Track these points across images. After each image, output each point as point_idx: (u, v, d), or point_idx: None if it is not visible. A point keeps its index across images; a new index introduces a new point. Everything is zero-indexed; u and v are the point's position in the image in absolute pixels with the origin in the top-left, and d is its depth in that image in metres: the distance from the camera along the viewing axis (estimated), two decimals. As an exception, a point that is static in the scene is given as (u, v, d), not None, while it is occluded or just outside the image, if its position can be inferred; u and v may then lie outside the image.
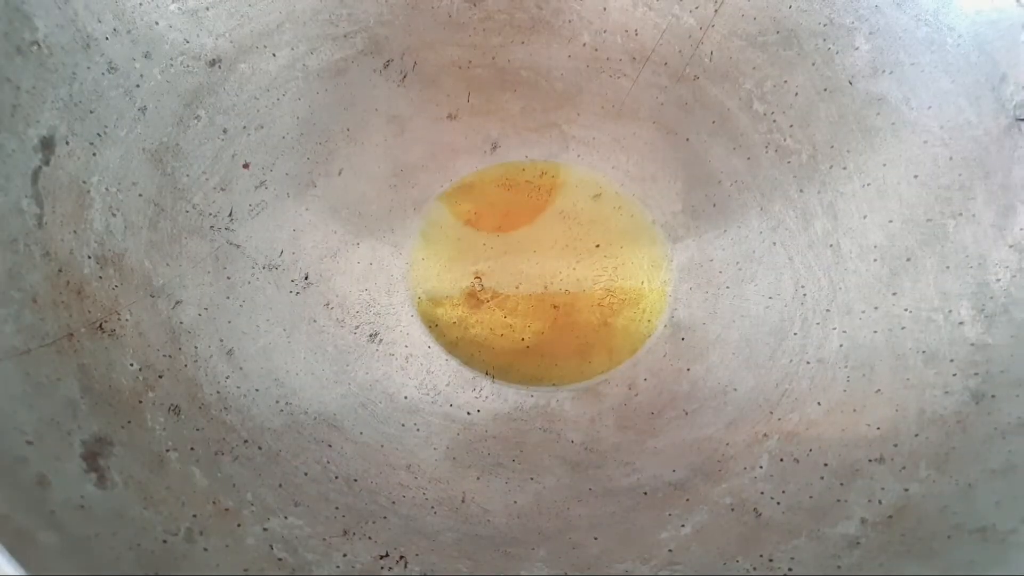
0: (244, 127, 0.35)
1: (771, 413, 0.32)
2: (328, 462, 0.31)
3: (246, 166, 0.35)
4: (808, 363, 0.32)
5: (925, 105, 0.32)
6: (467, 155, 0.40)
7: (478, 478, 0.32)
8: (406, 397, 0.34)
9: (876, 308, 0.32)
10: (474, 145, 0.40)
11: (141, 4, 0.32)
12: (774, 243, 0.36)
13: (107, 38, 0.31)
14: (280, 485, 0.29)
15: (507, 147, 0.40)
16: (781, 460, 0.30)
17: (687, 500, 0.30)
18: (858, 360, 0.31)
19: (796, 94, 0.35)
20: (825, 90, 0.35)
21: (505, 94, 0.39)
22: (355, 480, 0.30)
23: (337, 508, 0.29)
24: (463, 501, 0.31)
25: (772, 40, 0.35)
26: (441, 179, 0.39)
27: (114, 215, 0.31)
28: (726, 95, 0.37)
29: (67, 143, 0.30)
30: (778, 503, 0.29)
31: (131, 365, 0.29)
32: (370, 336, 0.36)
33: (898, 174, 0.33)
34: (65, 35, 0.30)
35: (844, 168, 0.34)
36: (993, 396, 0.28)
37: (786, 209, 0.36)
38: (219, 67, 0.34)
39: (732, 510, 0.29)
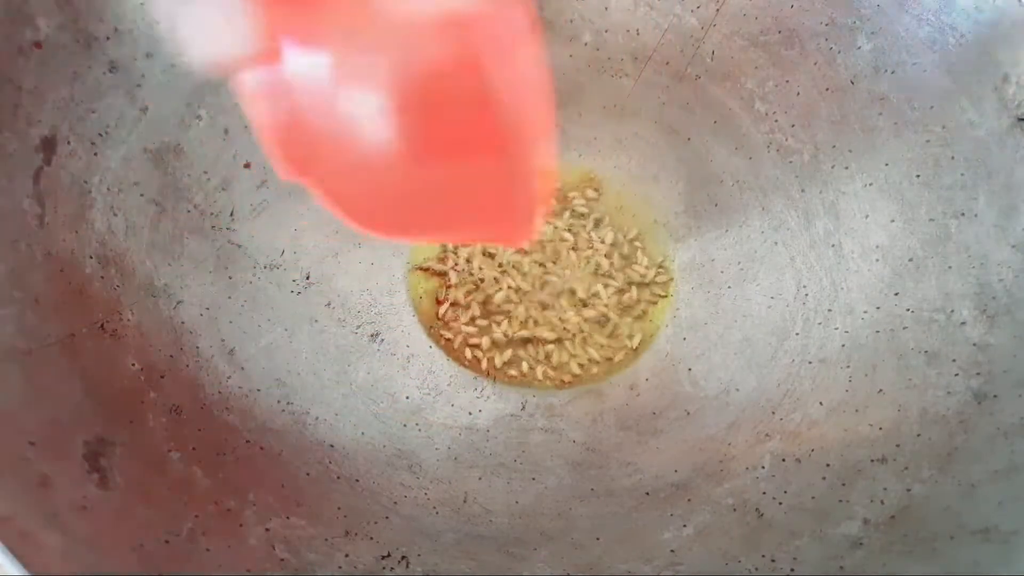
0: (245, 127, 0.35)
1: (773, 413, 0.32)
2: (330, 462, 0.31)
3: (247, 166, 0.35)
4: (810, 363, 0.32)
5: (927, 105, 0.32)
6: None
7: (480, 478, 0.32)
8: (408, 397, 0.34)
9: (878, 308, 0.32)
10: (475, 145, 0.39)
11: (142, 4, 0.32)
12: (776, 243, 0.36)
13: (108, 38, 0.31)
14: (282, 485, 0.29)
15: (508, 147, 0.40)
16: (783, 460, 0.30)
17: (689, 500, 0.30)
18: (860, 360, 0.31)
19: (798, 94, 0.35)
20: (827, 90, 0.35)
21: (506, 94, 0.39)
22: (357, 480, 0.30)
23: (339, 508, 0.29)
24: (465, 501, 0.31)
25: (774, 40, 0.35)
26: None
27: (115, 215, 0.31)
28: (728, 95, 0.37)
29: (68, 143, 0.30)
30: (780, 503, 0.29)
31: (133, 365, 0.29)
32: (371, 336, 0.36)
33: (900, 174, 0.33)
34: (66, 35, 0.30)
35: (846, 168, 0.34)
36: (995, 396, 0.28)
37: (788, 209, 0.36)
38: (220, 67, 0.34)
39: (734, 510, 0.29)
